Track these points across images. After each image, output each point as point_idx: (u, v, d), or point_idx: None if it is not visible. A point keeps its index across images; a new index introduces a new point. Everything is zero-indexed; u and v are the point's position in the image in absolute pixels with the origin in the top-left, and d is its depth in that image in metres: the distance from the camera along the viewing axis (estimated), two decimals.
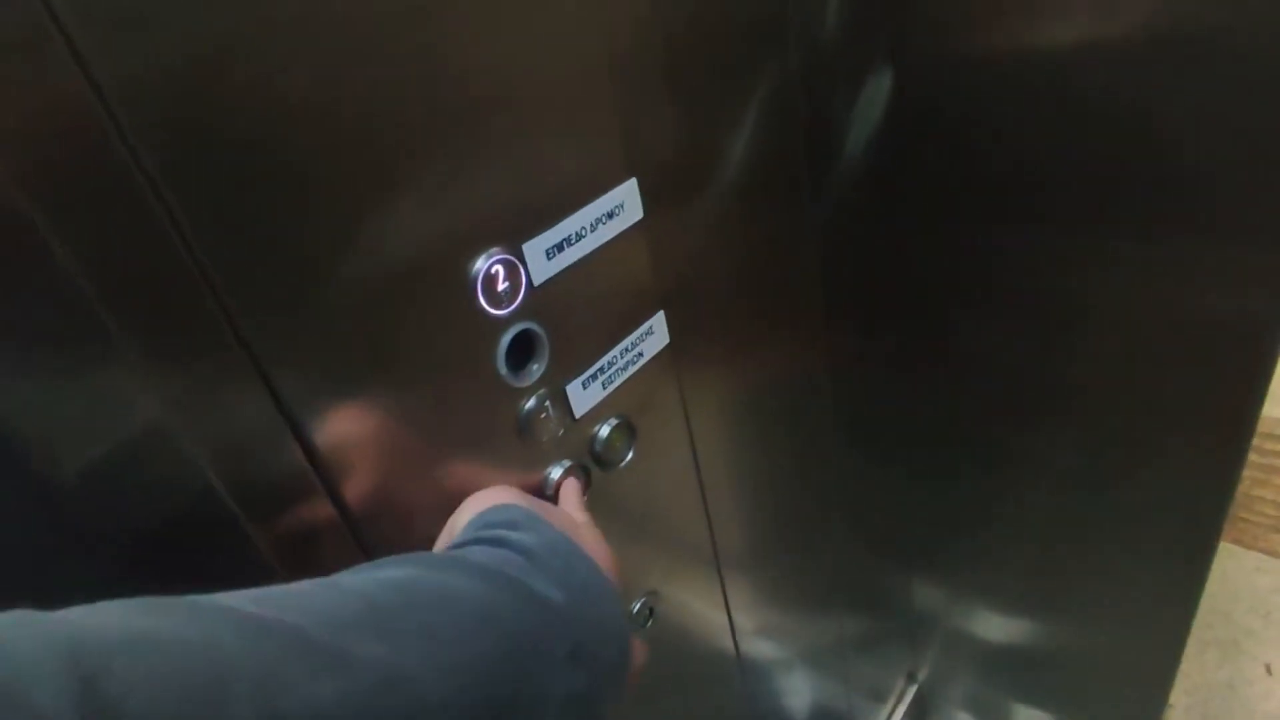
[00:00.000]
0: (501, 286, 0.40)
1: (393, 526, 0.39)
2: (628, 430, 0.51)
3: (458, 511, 0.39)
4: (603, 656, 0.31)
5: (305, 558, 0.36)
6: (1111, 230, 0.65)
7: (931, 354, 0.84)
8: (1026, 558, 0.94)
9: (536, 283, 0.42)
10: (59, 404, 0.29)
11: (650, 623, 0.59)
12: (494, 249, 0.39)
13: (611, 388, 0.49)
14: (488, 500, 0.38)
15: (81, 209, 0.26)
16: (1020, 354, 0.78)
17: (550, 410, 0.45)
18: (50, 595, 0.28)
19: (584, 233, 0.44)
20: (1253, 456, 1.53)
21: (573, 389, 0.46)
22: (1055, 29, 0.60)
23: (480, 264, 0.39)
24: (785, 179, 0.64)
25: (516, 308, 0.41)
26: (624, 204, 0.46)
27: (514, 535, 0.33)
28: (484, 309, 0.39)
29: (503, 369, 0.42)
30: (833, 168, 0.69)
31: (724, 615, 0.73)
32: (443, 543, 0.39)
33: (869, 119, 0.70)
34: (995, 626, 1.03)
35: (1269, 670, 1.22)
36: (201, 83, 0.28)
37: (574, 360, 0.46)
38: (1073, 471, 0.83)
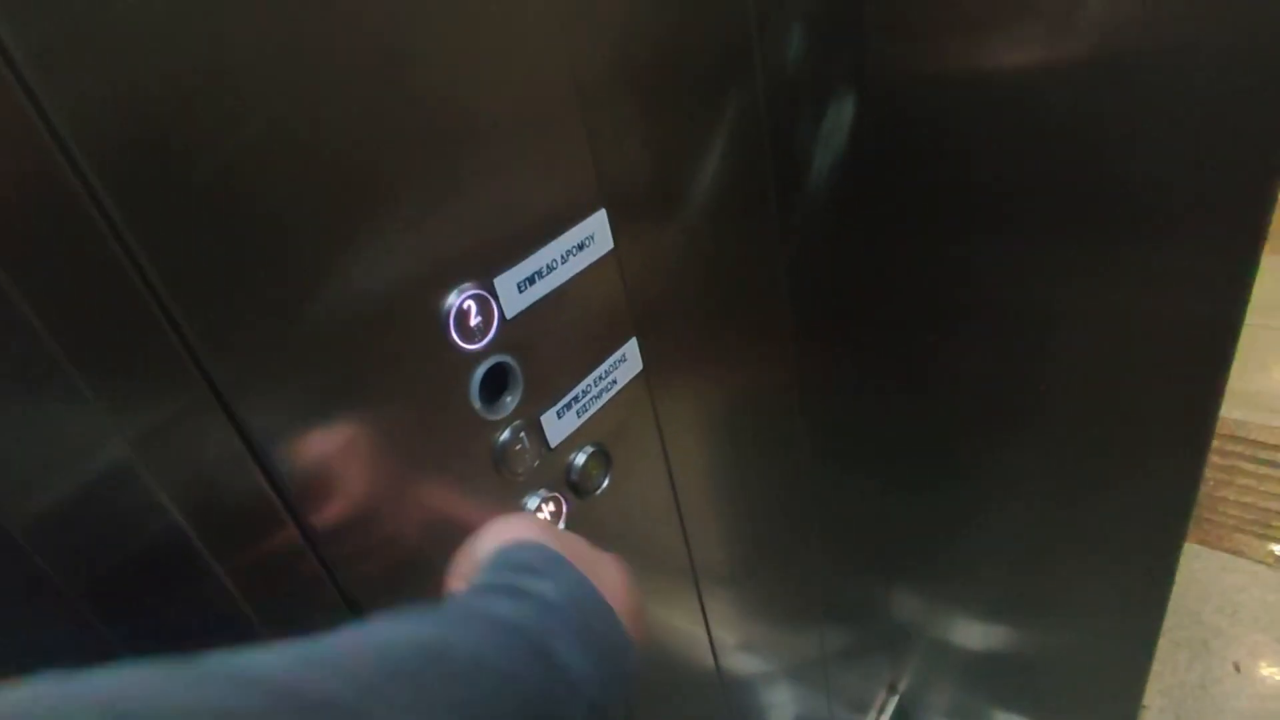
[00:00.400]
0: (474, 321, 0.40)
1: (369, 564, 0.39)
2: (603, 457, 0.51)
3: (479, 537, 0.38)
4: (614, 712, 0.32)
5: (280, 598, 0.36)
6: (1071, 241, 0.67)
7: (903, 367, 0.85)
8: (1002, 566, 0.95)
9: (509, 316, 0.42)
10: (18, 444, 0.28)
11: None
12: (466, 284, 0.40)
13: (586, 416, 0.50)
14: (509, 532, 0.38)
15: (36, 246, 0.26)
16: (988, 364, 0.80)
17: (525, 441, 0.45)
18: (14, 641, 0.28)
19: (555, 265, 0.44)
20: (1215, 458, 1.57)
21: (547, 419, 0.47)
22: (1011, 54, 0.62)
23: (452, 299, 0.39)
24: (755, 202, 0.65)
25: (489, 341, 0.41)
26: (594, 235, 0.46)
27: (537, 585, 0.33)
28: (456, 343, 0.40)
29: (476, 402, 0.42)
30: (801, 189, 0.70)
31: (704, 633, 0.74)
32: (462, 568, 0.38)
33: (835, 141, 0.71)
34: (974, 635, 1.04)
35: (1238, 668, 1.25)
36: (164, 119, 0.28)
37: (548, 391, 0.46)
38: (1043, 479, 0.85)
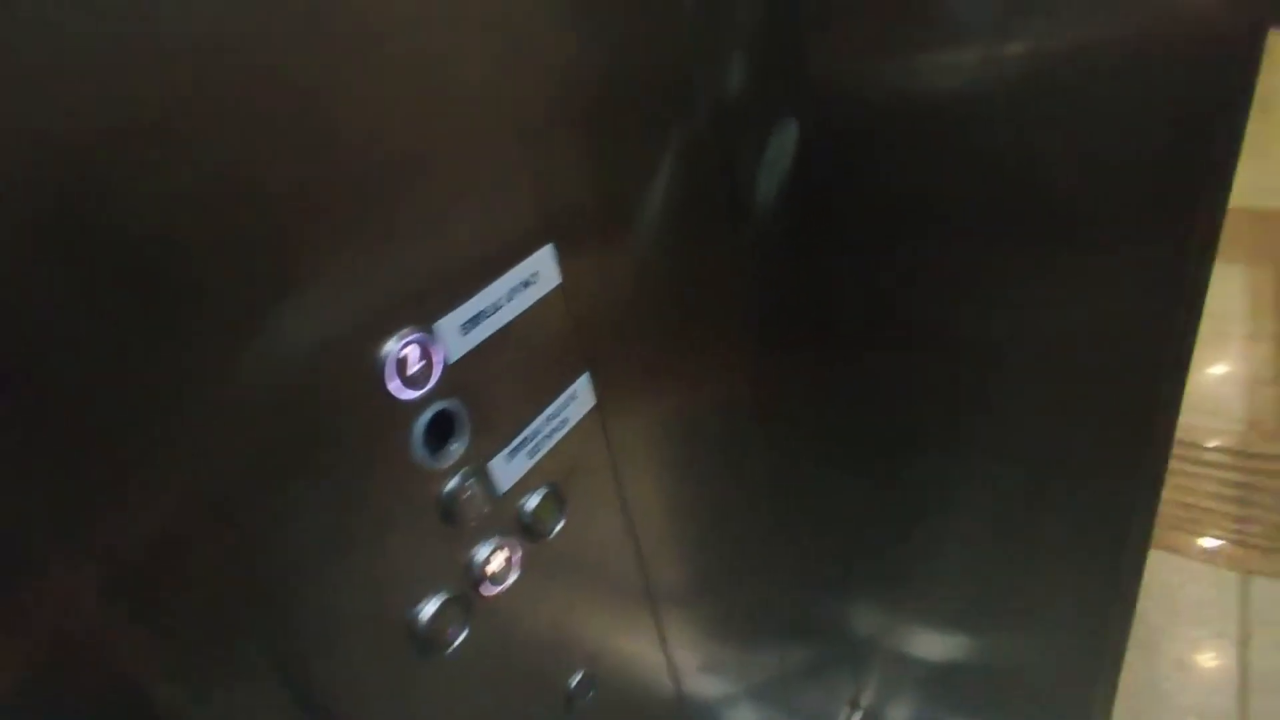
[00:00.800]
0: (415, 368, 0.38)
1: (317, 635, 0.36)
2: (556, 499, 0.49)
3: None
4: None
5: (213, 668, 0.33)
6: (1021, 252, 0.69)
7: (862, 383, 0.86)
8: (964, 577, 0.96)
9: (452, 360, 0.40)
10: None
11: (592, 693, 0.57)
12: (405, 329, 0.38)
13: (537, 457, 0.48)
14: None
15: None
16: (946, 376, 0.81)
17: (474, 488, 0.43)
18: None
19: (500, 304, 0.42)
20: None
21: (496, 464, 0.45)
22: (947, 79, 0.63)
23: (391, 346, 0.37)
24: (704, 228, 0.64)
25: (432, 387, 0.39)
26: (540, 271, 0.45)
27: None
28: (397, 392, 0.38)
29: (420, 452, 0.40)
30: (750, 215, 0.70)
31: (663, 659, 0.72)
32: None
33: (781, 165, 0.72)
34: (935, 648, 1.05)
35: (1182, 664, 1.29)
36: (76, 169, 0.25)
37: (496, 434, 0.44)
38: (1003, 488, 0.86)
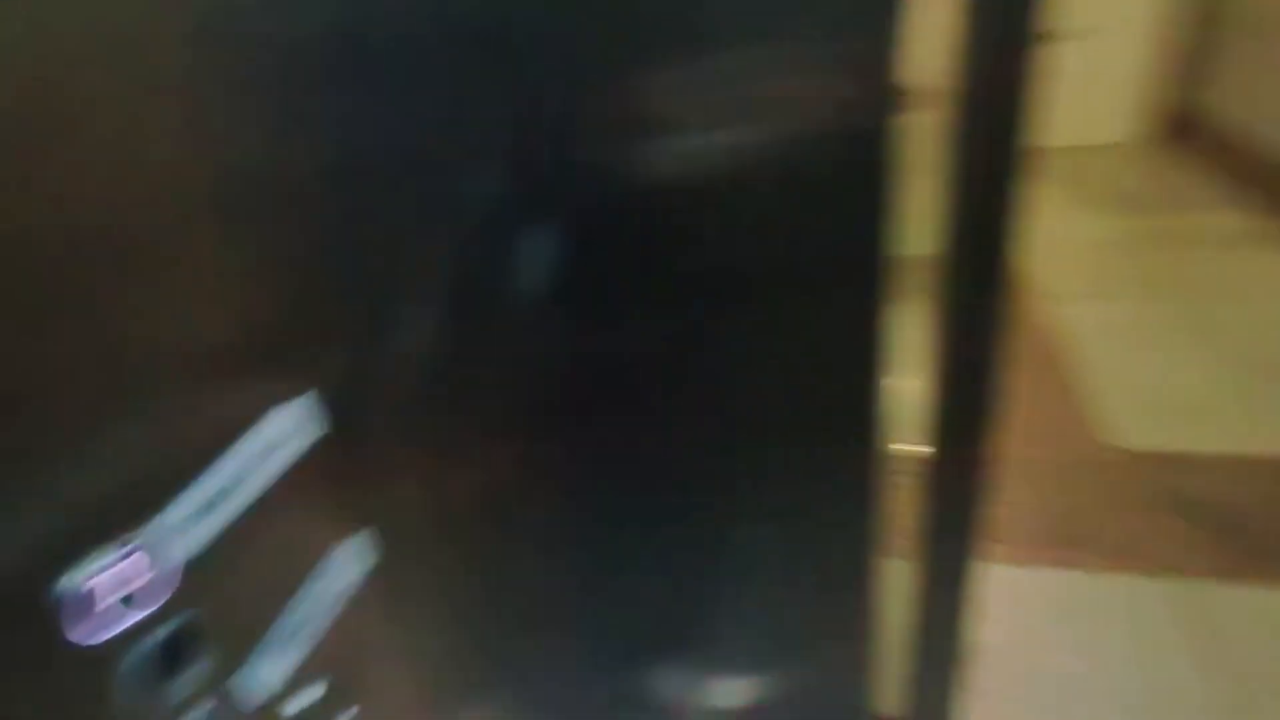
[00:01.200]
0: (126, 590, 0.29)
1: None
2: (337, 691, 0.41)
3: None
4: None
5: None
6: (736, 320, 0.72)
7: (641, 465, 0.85)
8: (745, 627, 0.99)
9: (180, 564, 0.31)
10: None
11: None
12: (109, 544, 0.29)
13: (306, 647, 0.39)
14: None
15: None
16: (704, 446, 0.83)
17: (227, 713, 0.34)
18: None
19: (243, 477, 0.34)
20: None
21: (252, 672, 0.36)
22: (668, 169, 0.65)
23: (88, 570, 0.28)
24: (476, 342, 0.60)
25: (158, 608, 0.30)
26: (296, 426, 0.38)
27: None
28: (103, 624, 0.28)
29: (145, 691, 0.30)
30: (522, 317, 0.67)
31: None
32: None
33: (544, 256, 0.70)
34: (730, 698, 1.07)
35: None
36: None
37: (249, 637, 0.36)
38: (756, 538, 0.90)
